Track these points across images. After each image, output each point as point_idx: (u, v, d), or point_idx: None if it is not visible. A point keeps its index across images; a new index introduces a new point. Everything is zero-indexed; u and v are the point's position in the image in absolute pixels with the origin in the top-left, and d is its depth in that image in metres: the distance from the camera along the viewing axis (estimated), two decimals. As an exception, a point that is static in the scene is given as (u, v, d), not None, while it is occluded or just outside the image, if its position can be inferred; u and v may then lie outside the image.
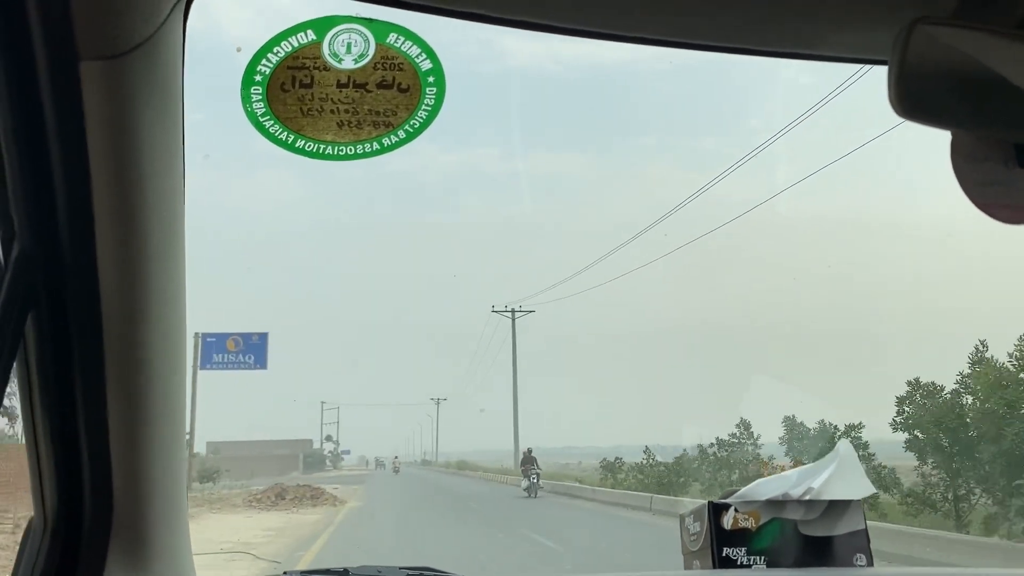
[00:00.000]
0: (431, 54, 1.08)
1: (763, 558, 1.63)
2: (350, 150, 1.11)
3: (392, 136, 1.10)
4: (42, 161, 1.00)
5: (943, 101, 0.91)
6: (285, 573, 1.64)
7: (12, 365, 1.03)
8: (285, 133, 1.08)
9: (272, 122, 1.08)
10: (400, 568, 1.75)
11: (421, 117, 1.10)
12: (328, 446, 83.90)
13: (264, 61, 1.06)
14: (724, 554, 1.63)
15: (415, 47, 1.08)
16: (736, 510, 1.65)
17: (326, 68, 1.07)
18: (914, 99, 0.89)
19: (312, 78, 1.07)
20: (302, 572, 1.64)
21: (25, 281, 1.03)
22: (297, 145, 1.10)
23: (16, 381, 1.13)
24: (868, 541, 1.66)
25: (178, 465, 1.30)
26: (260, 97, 1.07)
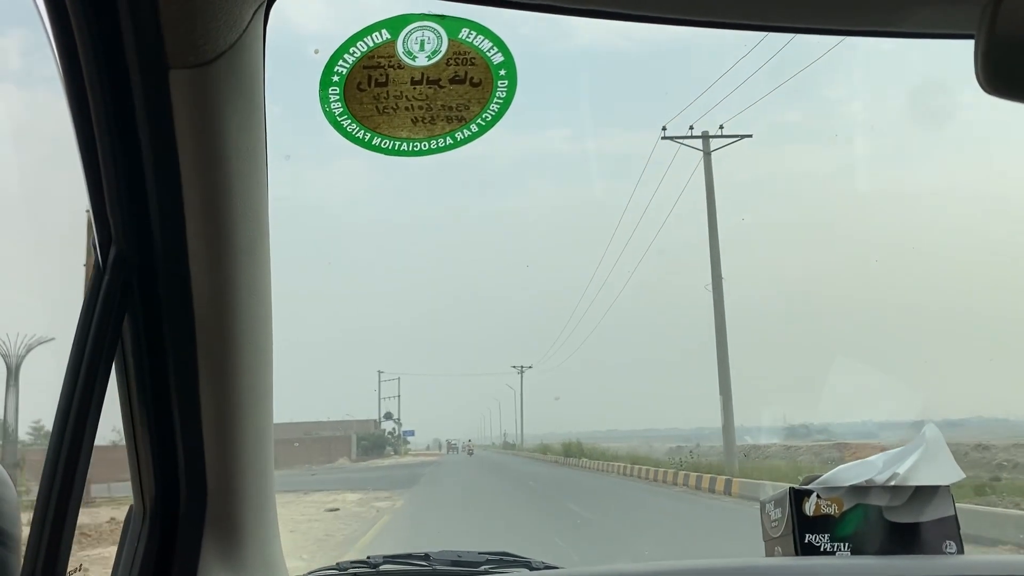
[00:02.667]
0: (502, 47, 1.09)
1: (847, 545, 1.60)
2: (424, 145, 1.13)
3: (465, 130, 1.11)
4: (135, 166, 1.05)
5: None
6: (369, 557, 1.69)
7: (112, 362, 1.08)
8: (362, 131, 1.11)
9: (350, 121, 1.10)
10: (480, 552, 1.78)
11: (493, 110, 1.11)
12: (387, 425, 69.58)
13: (341, 62, 1.08)
14: (807, 540, 1.61)
15: (487, 41, 1.08)
16: (818, 496, 1.63)
17: (400, 66, 1.09)
18: (1003, 75, 0.87)
19: (387, 76, 1.09)
20: (386, 557, 1.69)
21: (122, 281, 1.08)
22: (374, 143, 1.12)
23: (115, 376, 1.19)
24: (958, 527, 1.62)
25: (266, 458, 1.35)
26: (338, 97, 1.09)
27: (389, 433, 69.03)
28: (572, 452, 42.98)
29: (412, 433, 72.12)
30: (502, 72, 1.09)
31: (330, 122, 1.10)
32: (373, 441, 63.58)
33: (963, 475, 1.68)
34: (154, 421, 1.21)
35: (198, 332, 1.16)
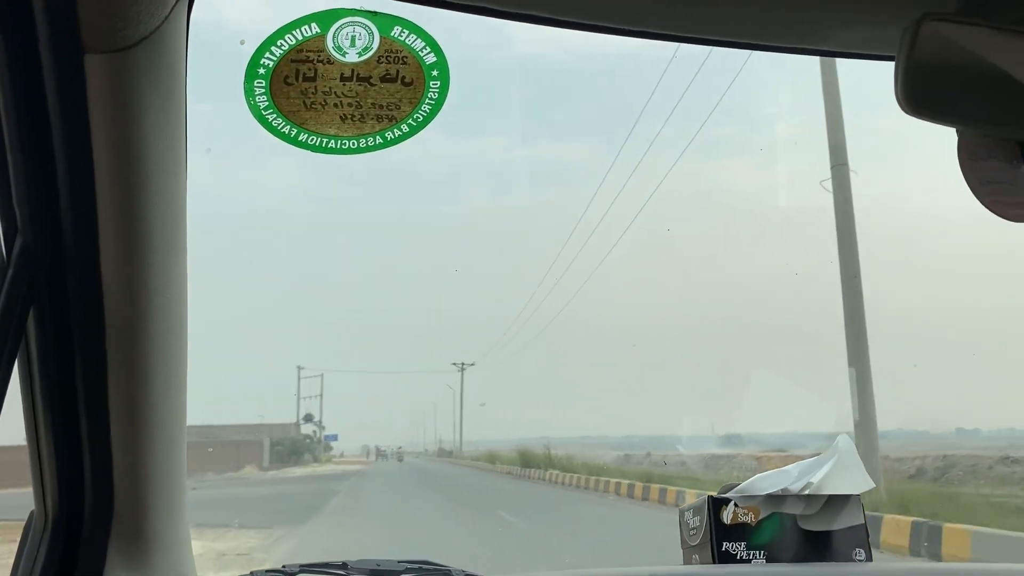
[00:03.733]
0: (435, 47, 1.07)
1: (763, 553, 1.63)
2: (353, 144, 1.10)
3: (395, 130, 1.10)
4: (45, 155, 0.99)
5: (949, 98, 0.92)
6: (284, 566, 1.64)
7: (15, 360, 1.03)
8: (288, 127, 1.08)
9: (275, 116, 1.07)
10: (399, 561, 1.75)
11: (425, 111, 1.09)
12: (308, 429, 61.20)
13: (268, 54, 1.05)
14: (724, 548, 1.63)
15: (419, 40, 1.07)
16: (736, 505, 1.66)
17: (330, 61, 1.06)
18: (921, 96, 0.89)
19: (316, 71, 1.06)
20: (302, 566, 1.65)
21: (28, 275, 1.03)
22: (300, 139, 1.09)
23: (18, 375, 1.12)
24: (867, 535, 1.67)
25: (178, 462, 1.30)
26: (263, 90, 1.06)
27: (308, 437, 61.60)
28: (533, 461, 33.94)
29: (335, 438, 65.32)
30: (434, 72, 1.08)
31: (255, 116, 1.06)
32: (290, 446, 56.46)
33: (873, 484, 1.73)
34: (59, 422, 1.16)
35: (108, 329, 1.11)
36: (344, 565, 1.64)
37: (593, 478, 23.17)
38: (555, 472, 28.23)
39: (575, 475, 25.54)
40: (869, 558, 1.66)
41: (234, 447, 44.15)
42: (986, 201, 0.97)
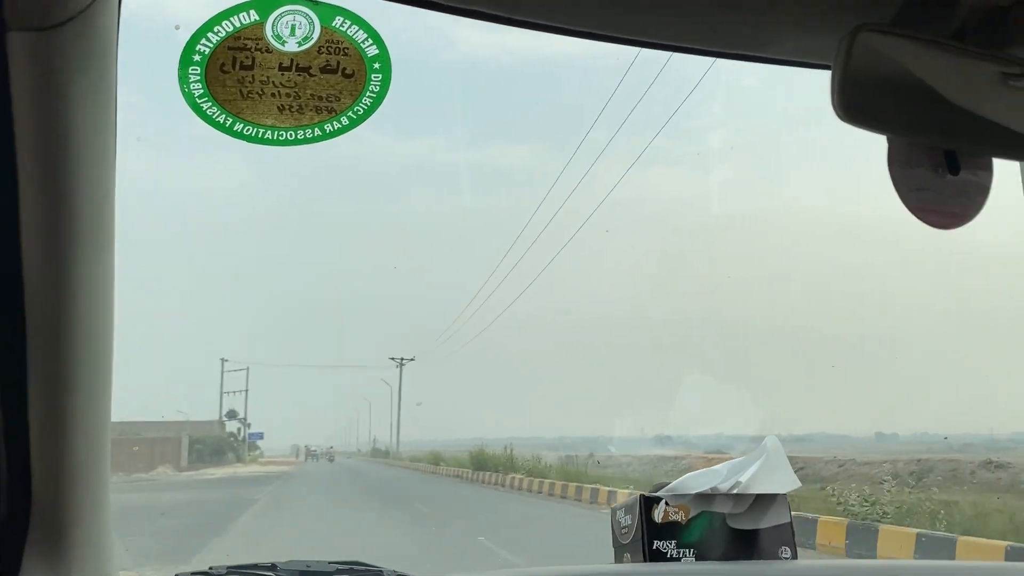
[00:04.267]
0: (378, 40, 1.06)
1: (692, 551, 1.66)
2: (290, 135, 1.08)
3: (335, 122, 1.08)
4: None
5: (882, 107, 0.94)
6: (211, 568, 1.60)
7: None
8: (223, 116, 1.05)
9: (210, 104, 1.04)
10: (330, 562, 1.72)
11: (365, 104, 1.08)
12: (232, 426, 56.97)
13: (204, 40, 1.02)
14: (654, 547, 1.65)
15: (361, 32, 1.05)
16: (667, 503, 1.68)
17: (268, 50, 1.04)
18: (855, 104, 0.92)
19: (253, 60, 1.03)
20: (229, 568, 1.60)
21: None
22: (235, 128, 1.06)
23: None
24: (793, 534, 1.71)
25: (101, 460, 1.25)
26: (198, 78, 1.03)
27: (232, 435, 57.09)
28: (489, 463, 30.16)
29: (260, 436, 60.30)
30: (376, 65, 1.06)
31: (189, 103, 1.03)
32: (211, 445, 52.00)
33: (799, 484, 1.78)
34: None
35: (29, 322, 1.06)
36: (273, 566, 1.60)
37: (575, 485, 18.82)
38: (519, 477, 24.23)
39: (547, 481, 21.22)
40: (794, 556, 1.70)
41: (148, 446, 40.80)
42: (914, 208, 1.00)
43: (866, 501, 12.33)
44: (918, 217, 1.00)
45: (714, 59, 1.13)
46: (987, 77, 1.00)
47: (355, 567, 1.72)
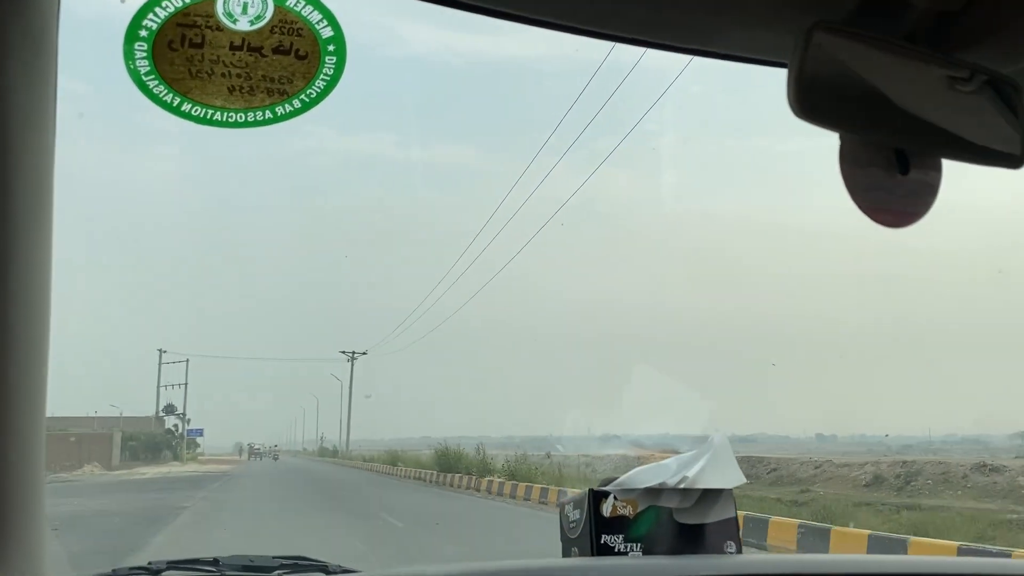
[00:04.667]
0: (333, 21, 1.03)
1: (639, 545, 1.67)
2: (240, 117, 1.05)
3: (287, 105, 1.05)
4: None
5: (835, 105, 0.95)
6: (150, 563, 1.56)
7: None
8: (170, 95, 1.01)
9: (157, 82, 1.00)
10: (273, 557, 1.69)
11: (319, 87, 1.05)
12: (170, 422, 53.43)
13: (151, 15, 0.98)
14: (602, 541, 1.65)
15: (316, 12, 1.03)
16: (615, 498, 1.68)
17: (219, 28, 1.00)
18: (810, 101, 0.93)
19: (203, 37, 1.00)
20: (169, 563, 1.57)
21: None
22: (183, 108, 1.03)
23: None
24: (738, 529, 1.72)
25: (36, 457, 1.20)
26: (145, 54, 0.99)
27: (169, 432, 53.28)
28: (458, 464, 26.85)
29: (200, 432, 56.90)
30: (331, 48, 1.04)
31: (134, 80, 0.99)
32: (146, 442, 48.42)
33: (744, 479, 1.80)
34: None
35: None
36: (215, 561, 1.57)
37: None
38: (499, 480, 21.54)
39: (538, 486, 18.54)
40: (739, 550, 1.71)
41: (75, 443, 37.95)
42: (864, 207, 1.01)
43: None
44: (868, 215, 1.02)
45: (678, 55, 1.13)
46: (935, 80, 1.02)
47: (299, 562, 1.69)
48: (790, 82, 0.92)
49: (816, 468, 22.20)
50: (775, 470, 24.06)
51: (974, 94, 1.03)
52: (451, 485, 24.90)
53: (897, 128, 0.99)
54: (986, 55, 1.00)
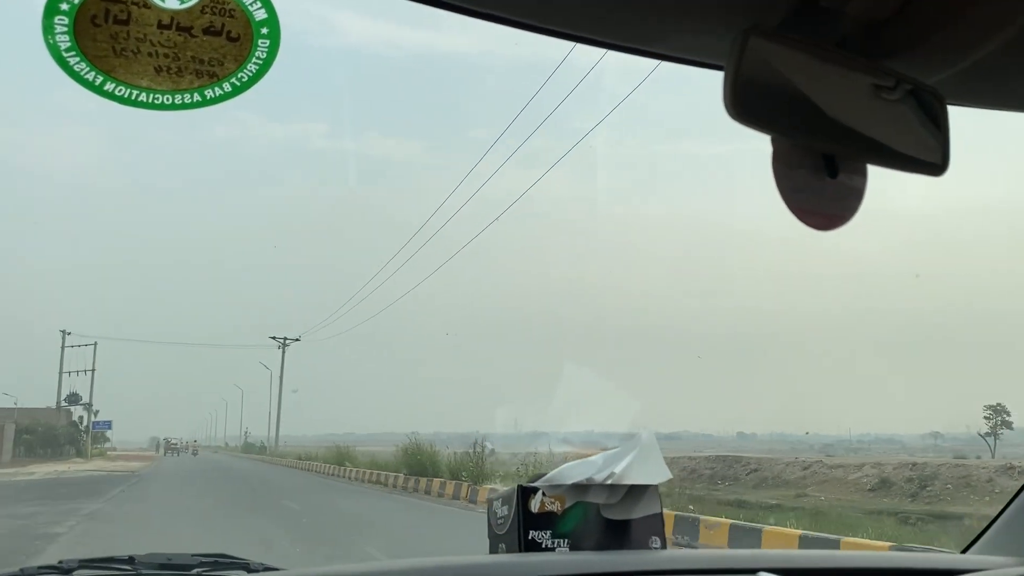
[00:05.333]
0: (266, 3, 1.00)
1: (566, 541, 1.67)
2: (167, 99, 1.01)
3: (217, 88, 1.01)
4: None
5: (769, 108, 0.97)
6: (61, 562, 1.50)
7: None
8: (93, 73, 0.97)
9: (78, 59, 0.96)
10: (193, 555, 1.64)
11: (251, 71, 1.02)
12: (75, 413, 47.76)
13: (73, -12, 0.94)
14: (530, 537, 1.66)
15: (249, -6, 1.00)
16: (544, 494, 1.69)
17: (146, 5, 0.96)
18: (745, 103, 0.94)
19: (129, 14, 0.96)
20: (81, 561, 1.51)
21: None
22: (106, 88, 0.99)
23: None
24: (663, 524, 1.75)
25: None
26: (66, 29, 0.95)
27: (73, 424, 47.30)
28: (429, 466, 22.40)
29: (108, 425, 50.84)
30: (264, 31, 1.01)
31: (53, 56, 0.95)
32: (44, 435, 42.87)
33: (670, 475, 1.82)
34: None
35: None
36: (131, 559, 1.52)
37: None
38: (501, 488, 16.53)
39: None
40: (664, 546, 1.74)
41: None
42: (794, 208, 1.03)
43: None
44: (797, 217, 1.04)
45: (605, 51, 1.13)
46: (863, 87, 1.04)
47: (220, 559, 1.65)
48: (726, 84, 0.94)
49: (805, 469, 20.66)
50: (756, 471, 22.68)
51: (898, 103, 1.06)
52: (430, 493, 20.26)
53: (826, 133, 1.01)
54: (912, 65, 1.03)
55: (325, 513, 15.27)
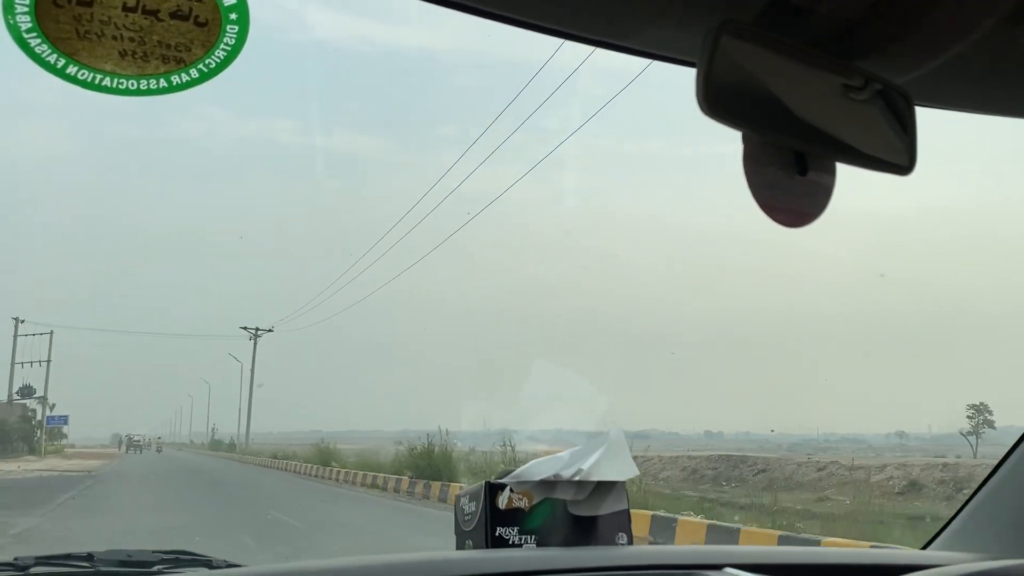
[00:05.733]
0: (236, -12, 0.98)
1: (533, 537, 1.67)
2: (132, 85, 0.99)
3: (184, 74, 0.99)
4: None
5: (741, 105, 0.97)
6: (16, 558, 1.46)
7: None
8: (55, 56, 0.94)
9: (40, 41, 0.93)
10: (153, 552, 1.62)
11: (218, 57, 1.00)
12: (30, 406, 44.68)
13: (35, -33, 0.91)
14: (497, 534, 1.65)
15: (218, -22, 0.98)
16: (511, 490, 1.68)
17: None
18: (718, 99, 0.94)
19: None
20: (38, 558, 1.47)
21: None
22: (68, 71, 0.96)
23: None
24: (629, 520, 1.75)
25: None
26: (27, 9, 0.92)
27: (26, 419, 43.96)
28: (444, 470, 19.23)
29: (64, 420, 47.76)
30: (232, 16, 0.99)
31: (13, 37, 0.92)
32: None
33: (637, 472, 1.83)
34: None
35: None
36: (90, 556, 1.49)
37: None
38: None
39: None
40: (630, 542, 1.74)
41: None
42: (763, 205, 1.04)
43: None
44: (767, 214, 1.04)
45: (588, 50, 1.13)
46: (832, 87, 1.05)
47: (181, 556, 1.62)
48: (698, 80, 0.94)
49: (820, 470, 19.52)
50: (763, 471, 21.51)
51: (867, 103, 1.07)
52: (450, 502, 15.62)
53: (797, 131, 1.02)
54: (881, 65, 1.04)
55: (334, 533, 12.09)
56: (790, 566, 1.51)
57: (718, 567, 1.39)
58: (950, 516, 1.72)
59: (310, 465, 28.83)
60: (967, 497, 1.70)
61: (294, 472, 29.32)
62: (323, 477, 25.75)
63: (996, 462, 1.68)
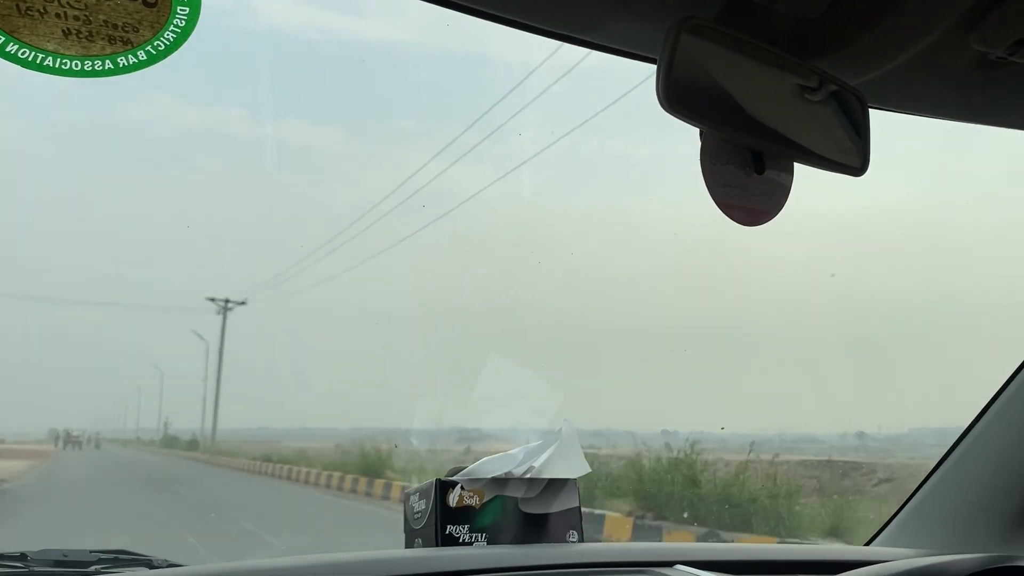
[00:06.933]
0: (188, -31, 0.95)
1: (484, 535, 1.66)
2: (76, 65, 0.95)
3: (131, 56, 0.96)
4: None
5: (700, 102, 0.97)
6: None
7: None
8: (-7, 32, 0.90)
9: (-23, 16, 0.89)
10: (91, 551, 1.57)
11: (168, 39, 0.97)
12: None
13: (-27, -62, 0.87)
14: (447, 532, 1.63)
15: (169, -43, 0.94)
16: (462, 488, 1.67)
17: None
18: (677, 95, 0.94)
19: None
20: None
21: None
22: (8, 50, 0.92)
23: None
24: (580, 518, 1.75)
25: None
26: (-36, -18, 0.88)
27: None
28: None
29: None
30: None
31: (-51, 11, 0.88)
32: None
33: (589, 469, 1.83)
34: None
35: None
36: (23, 556, 1.43)
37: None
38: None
39: None
40: (581, 539, 1.74)
41: None
42: (720, 203, 1.04)
43: None
44: (724, 212, 1.05)
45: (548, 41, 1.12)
46: (789, 86, 1.06)
47: (120, 556, 1.57)
48: (659, 76, 0.94)
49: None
50: (887, 480, 17.06)
51: (823, 103, 1.09)
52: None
53: (755, 129, 1.03)
54: (837, 66, 1.05)
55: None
56: (739, 563, 1.52)
57: (668, 564, 1.39)
58: (892, 512, 1.76)
59: (308, 468, 20.15)
60: (910, 493, 1.74)
61: (286, 480, 20.32)
62: (333, 490, 17.42)
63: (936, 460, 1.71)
